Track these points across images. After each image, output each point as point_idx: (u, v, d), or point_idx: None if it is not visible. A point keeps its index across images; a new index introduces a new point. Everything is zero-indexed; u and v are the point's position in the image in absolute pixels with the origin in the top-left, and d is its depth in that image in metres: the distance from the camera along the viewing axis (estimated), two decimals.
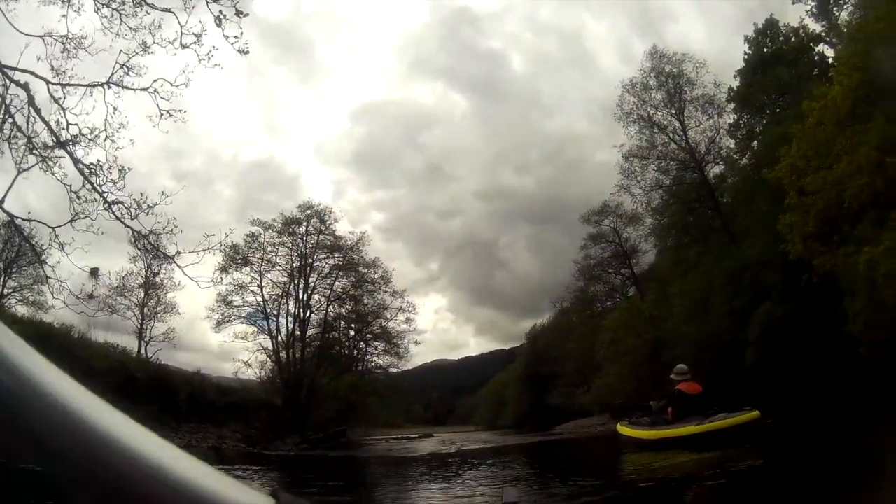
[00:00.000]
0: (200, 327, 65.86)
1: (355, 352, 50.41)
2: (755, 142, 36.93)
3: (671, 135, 37.98)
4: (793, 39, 34.90)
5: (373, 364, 49.02)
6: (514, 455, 24.03)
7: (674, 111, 37.69)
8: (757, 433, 13.88)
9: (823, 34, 32.98)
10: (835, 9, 31.91)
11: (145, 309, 39.20)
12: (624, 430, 18.79)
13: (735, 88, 37.06)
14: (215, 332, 43.03)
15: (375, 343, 48.50)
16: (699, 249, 34.71)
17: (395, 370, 49.20)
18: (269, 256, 44.68)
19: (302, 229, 45.63)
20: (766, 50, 35.58)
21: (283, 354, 43.95)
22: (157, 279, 39.12)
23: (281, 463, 24.50)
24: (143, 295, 39.25)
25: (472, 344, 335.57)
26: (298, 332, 44.53)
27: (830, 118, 19.06)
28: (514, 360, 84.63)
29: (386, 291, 46.89)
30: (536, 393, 60.46)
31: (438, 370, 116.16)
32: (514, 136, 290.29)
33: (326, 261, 46.50)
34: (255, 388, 42.52)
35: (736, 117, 37.66)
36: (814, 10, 32.51)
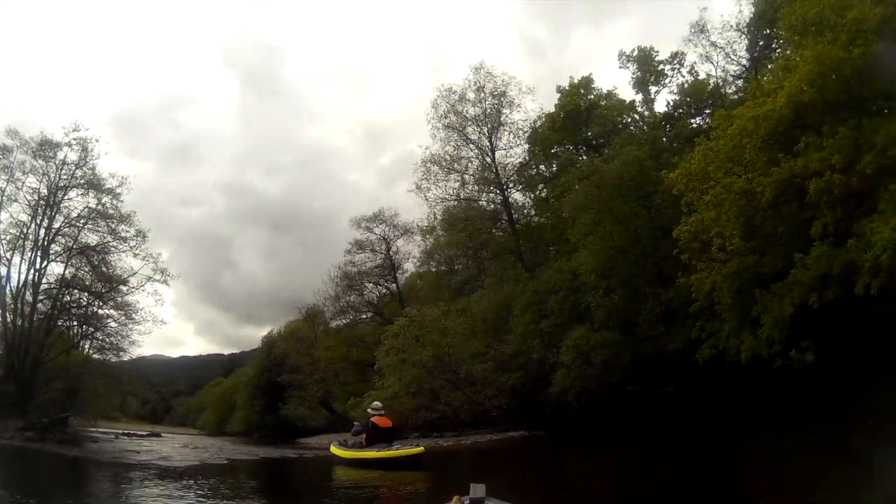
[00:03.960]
0: None
1: (85, 327, 41.22)
2: (542, 184, 39.44)
3: (477, 151, 38.35)
4: (603, 103, 38.15)
5: (107, 343, 39.97)
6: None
7: (487, 129, 38.10)
8: (419, 463, 18.45)
9: (637, 105, 36.55)
10: (652, 87, 35.69)
11: None
12: (334, 449, 23.01)
13: (538, 129, 39.07)
14: None
15: (111, 316, 40.12)
16: (494, 267, 35.36)
17: (115, 358, 40.73)
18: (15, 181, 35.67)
19: (62, 155, 36.83)
20: (580, 105, 38.20)
21: (9, 312, 34.91)
22: None
23: None
24: None
25: (192, 343, 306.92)
26: (32, 287, 35.72)
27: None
28: (234, 366, 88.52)
29: (137, 255, 38.77)
30: (269, 401, 57.29)
31: (157, 365, 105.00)
32: (272, 135, 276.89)
33: (79, 200, 37.78)
34: None
35: (530, 156, 39.54)
36: (635, 82, 35.87)
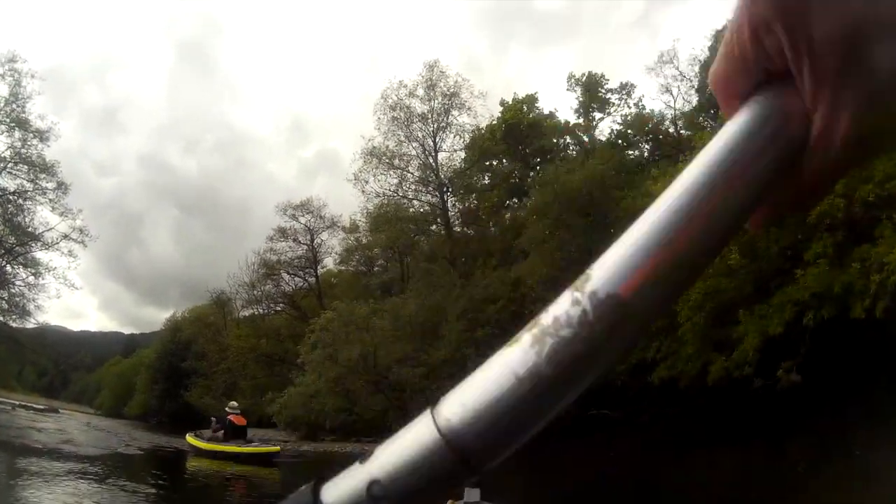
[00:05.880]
0: None
1: None
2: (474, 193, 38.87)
3: (421, 150, 37.24)
4: (546, 122, 38.14)
5: (12, 303, 34.64)
6: None
7: (432, 129, 37.06)
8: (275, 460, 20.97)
9: (578, 129, 36.74)
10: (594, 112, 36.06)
11: None
12: (190, 440, 24.64)
13: (478, 139, 38.42)
14: None
15: (18, 275, 35.06)
16: (422, 271, 34.11)
17: (16, 323, 35.74)
18: None
19: None
20: (523, 120, 37.96)
21: None
22: None
23: None
24: None
25: (94, 318, 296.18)
26: None
27: None
28: (135, 346, 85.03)
29: (56, 209, 34.22)
30: (170, 387, 52.99)
31: (57, 336, 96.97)
32: (198, 112, 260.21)
33: (1, 140, 33.32)
34: None
35: (469, 164, 38.78)
36: (580, 105, 36.13)
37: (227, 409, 25.10)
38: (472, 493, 6.39)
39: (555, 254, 25.75)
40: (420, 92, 36.66)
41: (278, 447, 22.41)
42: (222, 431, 23.76)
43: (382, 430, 28.66)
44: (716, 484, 14.69)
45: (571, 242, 25.63)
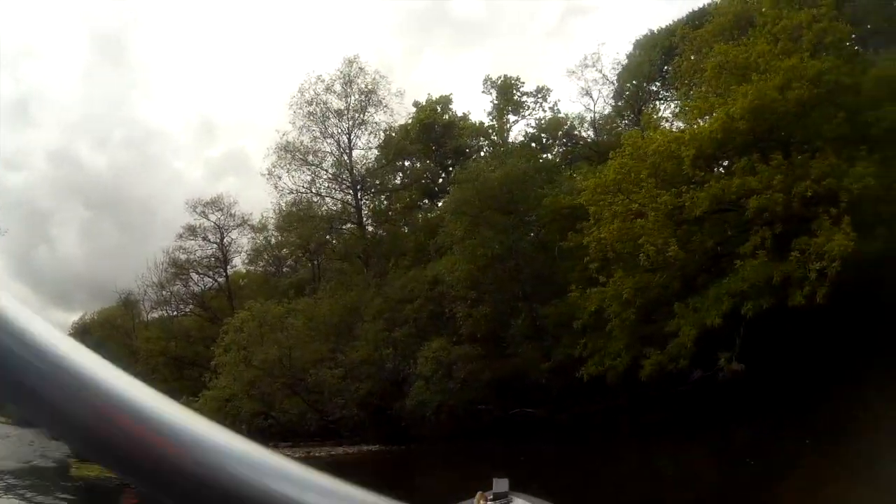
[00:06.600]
0: None
1: None
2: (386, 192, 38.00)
3: (335, 146, 35.92)
4: (461, 124, 37.77)
5: None
6: None
7: (348, 125, 35.77)
8: None
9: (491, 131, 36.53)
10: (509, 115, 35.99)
11: None
12: None
13: (391, 137, 37.47)
14: None
15: None
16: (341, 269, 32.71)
17: None
18: None
19: None
20: (437, 120, 37.41)
21: None
22: None
23: None
24: None
25: None
26: None
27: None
28: None
29: None
30: None
31: None
32: (110, 107, 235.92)
33: None
34: None
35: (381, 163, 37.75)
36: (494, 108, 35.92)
37: None
38: (501, 483, 6.36)
39: (477, 250, 25.12)
40: (337, 87, 35.46)
41: None
42: None
43: (300, 435, 27.10)
44: (658, 477, 14.49)
45: (494, 239, 25.10)
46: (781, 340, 16.66)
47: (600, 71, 30.44)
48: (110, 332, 48.84)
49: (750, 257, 16.87)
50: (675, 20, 30.28)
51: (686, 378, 18.40)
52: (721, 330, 17.29)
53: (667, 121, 25.91)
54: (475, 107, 73.74)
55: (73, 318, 59.76)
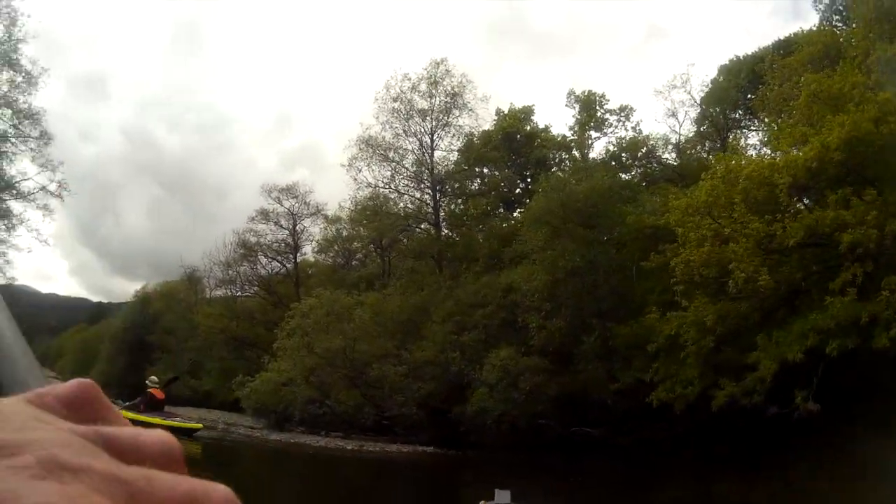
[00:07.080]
0: None
1: None
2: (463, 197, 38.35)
3: (417, 145, 36.52)
4: (542, 135, 37.87)
5: None
6: None
7: (431, 126, 36.30)
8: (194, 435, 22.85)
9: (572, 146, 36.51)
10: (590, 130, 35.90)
11: None
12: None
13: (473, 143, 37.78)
14: None
15: None
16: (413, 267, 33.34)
17: None
18: None
19: None
20: (519, 130, 37.65)
21: None
22: None
23: None
24: None
25: (63, 282, 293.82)
26: None
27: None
28: (100, 315, 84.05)
29: (36, 159, 31.19)
30: (134, 360, 49.82)
31: (24, 296, 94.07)
32: (186, 90, 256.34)
33: None
34: None
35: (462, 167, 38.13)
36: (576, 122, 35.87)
37: (147, 381, 25.94)
38: (503, 495, 6.85)
39: (557, 261, 25.14)
40: (423, 87, 35.93)
41: (201, 425, 25.52)
42: (142, 403, 24.58)
43: (353, 427, 27.56)
44: None
45: (575, 252, 25.08)
46: (858, 382, 16.25)
47: (688, 92, 30.14)
48: (171, 304, 50.24)
49: (839, 294, 16.48)
50: (760, 47, 29.94)
51: (760, 413, 18.03)
52: (796, 367, 16.97)
53: (754, 148, 25.46)
54: (553, 119, 73.69)
55: (136, 286, 62.08)
